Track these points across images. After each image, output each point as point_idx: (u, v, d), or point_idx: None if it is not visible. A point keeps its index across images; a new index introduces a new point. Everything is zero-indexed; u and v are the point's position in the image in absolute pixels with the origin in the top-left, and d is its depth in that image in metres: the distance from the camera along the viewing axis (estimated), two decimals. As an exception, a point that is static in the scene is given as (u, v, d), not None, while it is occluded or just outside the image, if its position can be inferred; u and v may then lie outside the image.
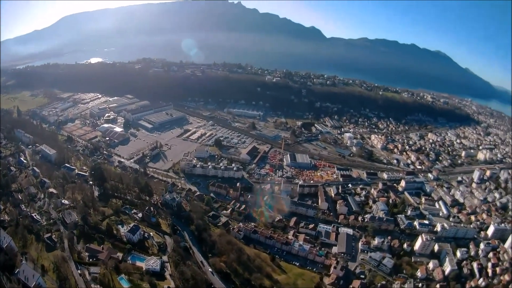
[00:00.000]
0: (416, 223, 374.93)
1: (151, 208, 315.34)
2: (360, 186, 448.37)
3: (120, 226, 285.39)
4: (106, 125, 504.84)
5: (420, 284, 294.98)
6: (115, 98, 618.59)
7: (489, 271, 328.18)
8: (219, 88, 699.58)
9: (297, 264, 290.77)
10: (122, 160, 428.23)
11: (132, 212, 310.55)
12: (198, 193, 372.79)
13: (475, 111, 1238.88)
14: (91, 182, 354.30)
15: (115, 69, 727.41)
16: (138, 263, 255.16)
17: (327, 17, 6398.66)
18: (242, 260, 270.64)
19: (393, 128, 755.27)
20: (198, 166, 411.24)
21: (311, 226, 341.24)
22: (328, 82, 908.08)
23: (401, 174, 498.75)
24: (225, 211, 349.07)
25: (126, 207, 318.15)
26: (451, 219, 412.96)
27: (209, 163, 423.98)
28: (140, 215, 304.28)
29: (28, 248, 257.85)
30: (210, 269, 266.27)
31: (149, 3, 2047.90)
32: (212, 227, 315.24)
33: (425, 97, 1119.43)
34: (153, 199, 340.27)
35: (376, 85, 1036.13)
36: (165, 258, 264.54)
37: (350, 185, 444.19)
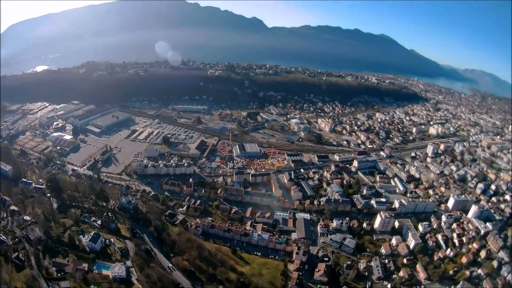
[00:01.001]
0: (373, 201, 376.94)
1: (109, 214, 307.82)
2: (313, 170, 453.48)
3: (81, 236, 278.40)
4: (55, 134, 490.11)
5: (386, 260, 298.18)
6: (62, 105, 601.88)
7: (456, 241, 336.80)
8: (163, 86, 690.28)
9: (259, 254, 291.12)
10: (76, 168, 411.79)
11: (92, 220, 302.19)
12: (152, 193, 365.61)
13: (423, 89, 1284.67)
14: (48, 195, 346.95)
15: (61, 76, 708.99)
16: (104, 272, 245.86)
17: (268, 7, 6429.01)
18: (204, 256, 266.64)
19: (340, 111, 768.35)
20: (149, 166, 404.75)
21: (267, 214, 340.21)
22: (270, 71, 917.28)
23: (352, 155, 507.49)
24: (181, 209, 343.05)
25: (85, 215, 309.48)
26: (408, 194, 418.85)
27: (159, 162, 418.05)
28: (99, 222, 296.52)
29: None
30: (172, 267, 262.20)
31: (91, 5, 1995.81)
32: (170, 226, 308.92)
33: (370, 79, 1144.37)
34: (110, 205, 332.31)
35: (319, 71, 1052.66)
36: (129, 263, 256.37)
37: (302, 170, 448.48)
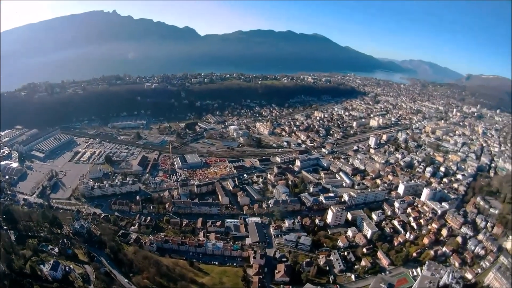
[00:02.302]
0: (321, 198, 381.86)
1: (65, 240, 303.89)
2: (256, 174, 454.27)
3: (42, 266, 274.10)
4: (3, 163, 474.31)
5: (345, 253, 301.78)
6: (6, 131, 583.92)
7: (413, 224, 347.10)
8: (101, 103, 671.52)
9: (216, 263, 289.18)
10: (26, 197, 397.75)
11: (49, 248, 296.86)
12: (103, 214, 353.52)
13: (361, 84, 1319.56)
14: (5, 227, 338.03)
15: (4, 100, 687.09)
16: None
17: (199, 15, 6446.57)
18: (163, 272, 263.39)
19: (277, 113, 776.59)
20: (95, 187, 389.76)
21: (218, 223, 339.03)
22: (206, 80, 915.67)
23: (294, 155, 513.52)
24: (133, 227, 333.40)
25: (42, 244, 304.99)
26: (356, 186, 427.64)
27: (105, 182, 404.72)
28: (56, 250, 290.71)
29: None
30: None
31: (30, 23, 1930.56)
32: (125, 245, 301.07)
33: (306, 79, 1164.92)
34: (64, 231, 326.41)
35: (254, 75, 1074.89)
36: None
37: (245, 175, 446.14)
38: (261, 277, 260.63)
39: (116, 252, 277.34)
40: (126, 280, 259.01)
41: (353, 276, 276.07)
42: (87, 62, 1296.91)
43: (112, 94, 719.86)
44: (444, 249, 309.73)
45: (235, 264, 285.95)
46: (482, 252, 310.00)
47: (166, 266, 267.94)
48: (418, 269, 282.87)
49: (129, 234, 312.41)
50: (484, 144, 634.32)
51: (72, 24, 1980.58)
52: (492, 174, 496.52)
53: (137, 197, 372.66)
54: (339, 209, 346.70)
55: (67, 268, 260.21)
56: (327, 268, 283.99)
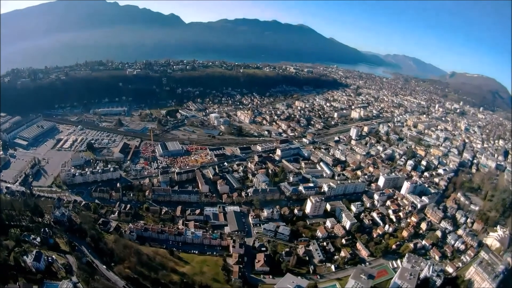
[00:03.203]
0: (301, 187, 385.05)
1: (46, 229, 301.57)
2: (236, 162, 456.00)
3: (25, 257, 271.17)
4: None
5: (324, 243, 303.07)
6: None
7: (392, 217, 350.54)
8: (83, 89, 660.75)
9: (196, 252, 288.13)
10: (9, 185, 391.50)
11: (31, 238, 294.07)
12: (83, 202, 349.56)
13: (343, 76, 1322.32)
14: None
15: None
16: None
17: (185, 3, 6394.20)
18: (143, 261, 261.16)
19: (259, 102, 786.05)
20: (77, 174, 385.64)
21: (197, 211, 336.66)
22: (187, 67, 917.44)
23: (275, 144, 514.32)
24: (113, 215, 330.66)
25: (24, 234, 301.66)
26: (336, 177, 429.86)
27: (86, 169, 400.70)
28: (38, 239, 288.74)
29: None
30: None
31: (16, 9, 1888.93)
32: (106, 234, 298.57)
33: (288, 69, 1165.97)
34: (46, 219, 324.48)
35: (236, 63, 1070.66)
36: (74, 278, 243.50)
37: (226, 163, 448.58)
38: (241, 266, 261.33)
39: (97, 240, 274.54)
40: (107, 269, 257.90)
41: (333, 267, 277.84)
42: (72, 48, 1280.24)
43: (94, 80, 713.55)
44: (423, 242, 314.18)
45: (214, 253, 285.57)
46: (462, 247, 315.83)
47: (146, 255, 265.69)
48: (398, 261, 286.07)
49: (109, 222, 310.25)
50: (466, 140, 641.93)
51: (59, 10, 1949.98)
52: (474, 170, 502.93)
53: (118, 185, 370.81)
54: (318, 200, 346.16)
55: (49, 258, 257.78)
56: (307, 258, 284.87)
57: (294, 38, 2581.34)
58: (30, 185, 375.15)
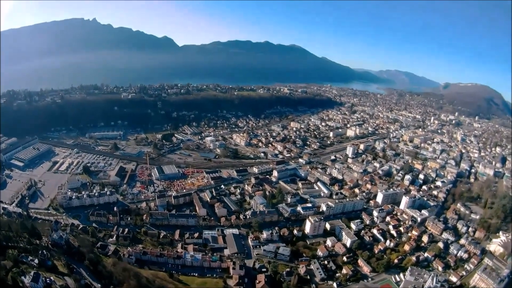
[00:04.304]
0: (299, 208, 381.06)
1: (44, 251, 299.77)
2: (233, 185, 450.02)
3: (23, 277, 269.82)
4: None
5: (325, 262, 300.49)
6: None
7: (393, 232, 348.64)
8: (78, 113, 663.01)
9: (196, 274, 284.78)
10: (5, 206, 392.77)
11: (29, 259, 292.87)
12: (81, 226, 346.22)
13: (337, 94, 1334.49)
14: None
15: None
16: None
17: (178, 25, 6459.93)
18: (143, 284, 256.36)
19: (254, 124, 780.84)
20: (74, 197, 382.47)
21: (196, 235, 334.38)
22: (182, 90, 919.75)
23: (271, 165, 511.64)
24: (111, 239, 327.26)
25: (22, 255, 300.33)
26: (334, 196, 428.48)
27: (83, 193, 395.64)
28: (36, 261, 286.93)
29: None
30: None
31: (10, 28, 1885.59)
32: (104, 257, 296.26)
33: (282, 90, 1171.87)
34: (43, 242, 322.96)
35: (230, 86, 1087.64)
36: None
37: (222, 186, 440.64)
38: (242, 287, 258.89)
39: (95, 264, 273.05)
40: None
41: (335, 284, 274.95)
42: (66, 70, 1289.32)
43: (89, 103, 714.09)
44: (426, 254, 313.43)
45: (214, 275, 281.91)
46: (465, 256, 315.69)
47: (145, 278, 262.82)
48: (401, 275, 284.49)
49: (108, 246, 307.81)
50: (463, 151, 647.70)
51: (53, 31, 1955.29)
52: (472, 180, 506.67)
53: (115, 208, 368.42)
54: (317, 219, 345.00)
55: (47, 279, 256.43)
56: (308, 277, 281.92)
57: (287, 58, 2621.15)
58: (27, 207, 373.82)
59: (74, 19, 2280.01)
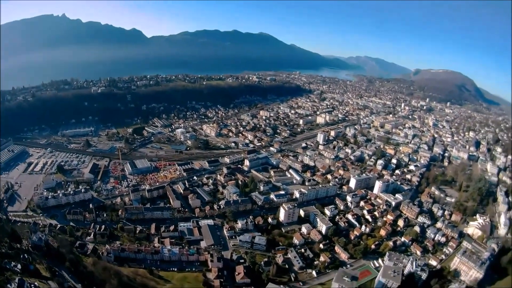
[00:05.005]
0: (272, 196, 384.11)
1: (25, 255, 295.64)
2: (206, 175, 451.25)
3: (8, 285, 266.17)
4: None
5: (302, 250, 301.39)
6: None
7: (368, 217, 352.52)
8: (50, 111, 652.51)
9: (175, 269, 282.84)
10: None
11: (12, 265, 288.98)
12: (59, 225, 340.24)
13: (306, 82, 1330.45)
14: None
15: None
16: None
17: (146, 17, 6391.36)
18: (124, 283, 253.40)
19: (223, 114, 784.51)
20: (50, 197, 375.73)
21: (171, 227, 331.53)
22: (151, 82, 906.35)
23: (242, 155, 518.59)
24: (89, 237, 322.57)
25: (5, 261, 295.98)
26: (307, 183, 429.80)
27: (58, 192, 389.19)
28: (19, 266, 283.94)
29: None
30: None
31: None
32: (84, 257, 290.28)
33: (250, 78, 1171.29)
34: (24, 245, 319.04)
35: (199, 76, 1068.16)
36: None
37: (195, 177, 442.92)
38: (222, 280, 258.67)
39: (76, 264, 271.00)
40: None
41: (314, 272, 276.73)
42: (38, 67, 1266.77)
43: (60, 100, 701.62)
44: (403, 239, 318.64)
45: (193, 269, 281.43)
46: (443, 239, 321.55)
47: (126, 276, 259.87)
48: (379, 260, 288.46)
49: (86, 245, 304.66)
50: (435, 135, 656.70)
51: (23, 29, 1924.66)
52: (446, 164, 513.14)
53: (91, 205, 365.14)
54: (291, 207, 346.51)
55: (32, 285, 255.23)
56: (286, 266, 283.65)
57: (255, 46, 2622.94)
58: (6, 211, 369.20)
59: (44, 16, 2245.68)
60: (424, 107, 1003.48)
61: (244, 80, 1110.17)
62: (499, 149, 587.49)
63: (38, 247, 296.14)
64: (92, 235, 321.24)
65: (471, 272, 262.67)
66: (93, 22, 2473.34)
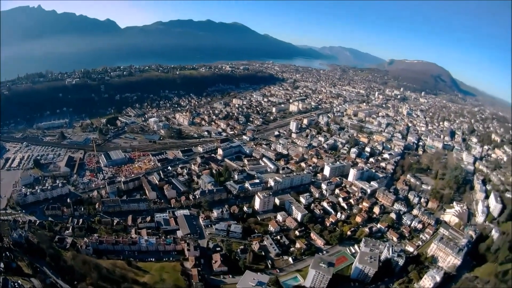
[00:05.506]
0: (247, 184, 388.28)
1: (7, 253, 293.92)
2: (180, 165, 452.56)
3: None
4: None
5: (278, 237, 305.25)
6: None
7: (343, 205, 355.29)
8: (25, 103, 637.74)
9: (153, 259, 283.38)
10: None
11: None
12: (38, 221, 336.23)
13: (279, 71, 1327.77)
14: None
15: None
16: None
17: (119, 7, 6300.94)
18: (104, 275, 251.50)
19: (196, 103, 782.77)
20: (28, 194, 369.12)
21: (148, 219, 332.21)
22: (125, 72, 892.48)
23: (215, 144, 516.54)
24: (67, 231, 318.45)
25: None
26: (281, 171, 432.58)
27: (36, 188, 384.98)
28: (1, 265, 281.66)
29: None
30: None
31: None
32: (63, 251, 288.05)
33: (223, 67, 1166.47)
34: (5, 243, 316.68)
35: (172, 66, 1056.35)
36: None
37: (169, 167, 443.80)
38: (200, 269, 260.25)
39: (56, 259, 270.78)
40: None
41: (290, 259, 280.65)
42: (14, 60, 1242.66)
43: (35, 93, 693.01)
44: (378, 225, 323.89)
45: (171, 259, 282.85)
46: (419, 226, 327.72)
47: (106, 268, 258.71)
48: (356, 246, 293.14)
49: (65, 239, 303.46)
50: (410, 124, 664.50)
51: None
52: (420, 152, 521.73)
53: (68, 200, 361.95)
54: (266, 195, 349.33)
55: (16, 284, 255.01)
56: (263, 253, 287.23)
57: (229, 36, 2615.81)
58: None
59: (20, 7, 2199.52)
60: (398, 96, 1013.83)
61: (217, 70, 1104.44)
62: (474, 139, 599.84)
63: (19, 244, 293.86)
64: (70, 229, 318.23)
65: (449, 259, 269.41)
66: (68, 13, 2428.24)
